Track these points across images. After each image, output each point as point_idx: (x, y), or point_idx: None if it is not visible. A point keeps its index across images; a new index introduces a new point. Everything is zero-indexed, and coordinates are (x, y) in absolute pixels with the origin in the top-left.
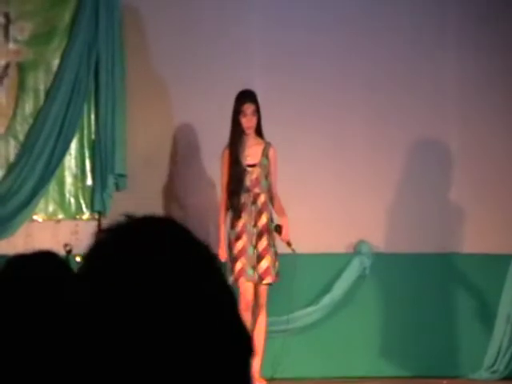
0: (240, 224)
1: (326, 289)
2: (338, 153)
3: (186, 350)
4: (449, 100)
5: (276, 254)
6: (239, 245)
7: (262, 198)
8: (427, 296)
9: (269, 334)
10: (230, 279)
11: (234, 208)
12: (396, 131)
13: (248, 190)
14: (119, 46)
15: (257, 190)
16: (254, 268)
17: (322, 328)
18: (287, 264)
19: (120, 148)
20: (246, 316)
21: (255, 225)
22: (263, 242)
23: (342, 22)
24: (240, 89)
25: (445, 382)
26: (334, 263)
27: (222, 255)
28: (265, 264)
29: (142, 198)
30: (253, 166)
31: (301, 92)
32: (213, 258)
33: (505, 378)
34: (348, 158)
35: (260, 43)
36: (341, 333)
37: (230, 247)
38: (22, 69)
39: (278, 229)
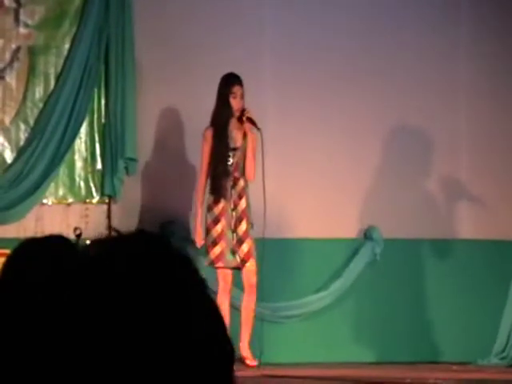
0: (219, 207)
1: (337, 274)
2: (349, 139)
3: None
4: (459, 90)
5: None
6: (218, 228)
7: (242, 183)
8: (437, 282)
9: (279, 319)
10: (206, 262)
11: (215, 191)
12: (405, 119)
13: (228, 174)
14: (129, 29)
15: (236, 174)
16: (234, 252)
17: (333, 313)
18: (296, 249)
19: (130, 132)
20: (225, 298)
21: (234, 208)
22: (243, 226)
23: (349, 11)
24: (251, 73)
25: (454, 367)
26: (345, 249)
27: (199, 242)
28: (246, 247)
29: (152, 182)
30: (234, 149)
31: (306, 81)
32: (197, 275)
33: None
34: (360, 145)
35: (271, 32)
36: (351, 318)
37: (208, 230)
38: (32, 53)
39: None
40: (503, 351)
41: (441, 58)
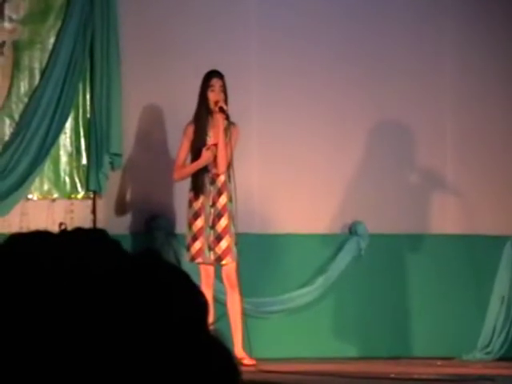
0: (198, 203)
1: (322, 269)
2: (334, 134)
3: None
4: (444, 81)
5: (235, 234)
6: (198, 223)
7: (222, 178)
8: (422, 277)
9: (263, 314)
10: (187, 258)
11: (194, 187)
12: (390, 114)
13: (207, 170)
14: (114, 24)
15: (215, 170)
16: (211, 249)
17: (317, 309)
18: (281, 244)
19: (115, 127)
20: (208, 293)
21: (213, 205)
22: (223, 223)
23: (333, 3)
24: (236, 68)
25: (439, 362)
26: (330, 244)
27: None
28: (224, 244)
29: (137, 177)
30: (214, 145)
31: (293, 74)
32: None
33: (499, 359)
34: (345, 140)
35: (256, 24)
36: (335, 313)
37: (189, 226)
38: (17, 47)
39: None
40: (488, 346)
41: (426, 50)
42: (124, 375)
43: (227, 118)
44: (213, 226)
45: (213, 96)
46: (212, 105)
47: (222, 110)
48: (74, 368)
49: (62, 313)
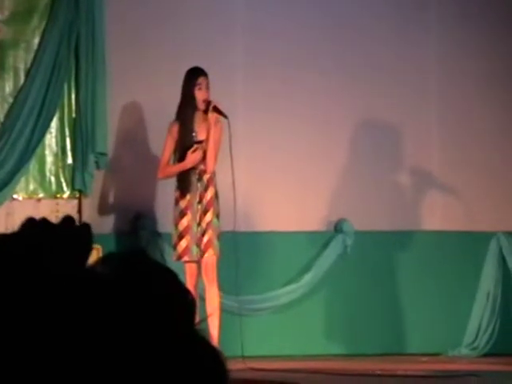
0: (185, 201)
1: (308, 267)
2: (319, 132)
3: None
4: (430, 80)
5: (219, 230)
6: (184, 222)
7: (208, 175)
8: (408, 273)
9: (250, 312)
10: (174, 257)
11: (181, 185)
12: (375, 113)
13: (194, 167)
14: (100, 24)
15: (202, 167)
16: (198, 245)
17: (304, 306)
18: (267, 242)
19: (101, 126)
20: (194, 293)
21: (200, 201)
22: (208, 217)
23: (319, 5)
24: (221, 67)
25: (424, 358)
26: (316, 241)
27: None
28: (206, 238)
29: (122, 177)
30: (199, 142)
31: (278, 76)
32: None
33: (485, 355)
34: (331, 137)
35: (242, 27)
36: (322, 311)
37: (175, 224)
38: (1, 47)
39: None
40: (474, 342)
41: (411, 50)
42: (109, 375)
43: (225, 116)
44: (199, 223)
45: (201, 95)
46: (200, 103)
47: (217, 109)
48: (54, 368)
49: (49, 314)
